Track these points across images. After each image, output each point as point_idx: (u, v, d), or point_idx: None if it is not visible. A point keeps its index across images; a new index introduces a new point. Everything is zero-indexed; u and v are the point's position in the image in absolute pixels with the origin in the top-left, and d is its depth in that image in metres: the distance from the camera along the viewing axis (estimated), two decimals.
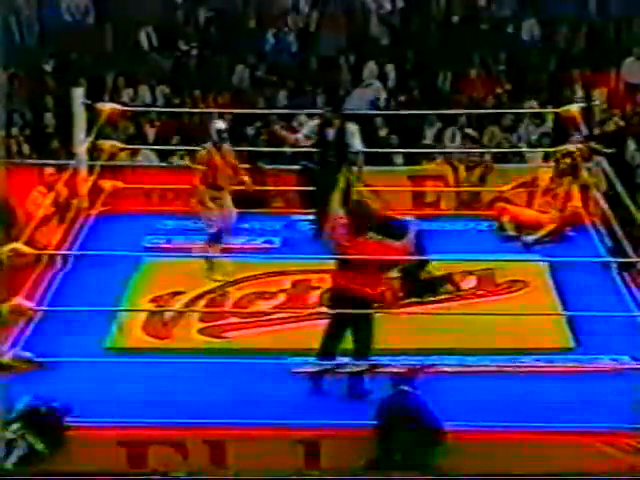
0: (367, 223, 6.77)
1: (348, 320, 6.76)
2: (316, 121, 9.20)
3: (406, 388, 6.38)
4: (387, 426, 6.32)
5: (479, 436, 6.42)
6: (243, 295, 8.20)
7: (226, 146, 8.56)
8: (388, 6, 14.07)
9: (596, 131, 11.46)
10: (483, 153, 10.64)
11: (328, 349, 6.90)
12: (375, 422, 6.37)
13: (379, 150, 10.93)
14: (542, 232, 9.10)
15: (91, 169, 9.67)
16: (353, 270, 6.69)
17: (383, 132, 12.61)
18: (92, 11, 14.52)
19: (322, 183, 8.66)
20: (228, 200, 8.62)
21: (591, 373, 7.12)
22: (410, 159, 11.85)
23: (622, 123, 12.01)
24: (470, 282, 8.43)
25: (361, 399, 6.75)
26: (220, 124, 8.61)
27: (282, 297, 8.29)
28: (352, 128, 9.08)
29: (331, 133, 8.99)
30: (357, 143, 9.04)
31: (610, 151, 9.63)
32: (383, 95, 13.27)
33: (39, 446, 6.26)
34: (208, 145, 8.52)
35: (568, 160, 9.03)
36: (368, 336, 6.79)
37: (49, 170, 9.29)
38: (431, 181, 10.57)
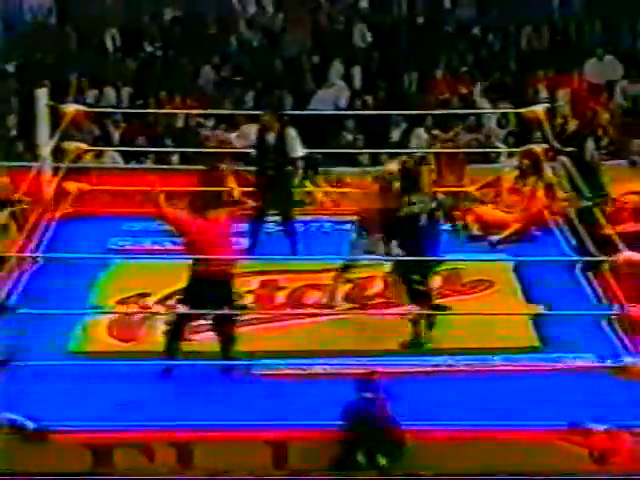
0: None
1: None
2: (254, 126, 9.19)
3: (369, 389, 6.39)
4: (350, 427, 6.32)
5: (445, 435, 6.45)
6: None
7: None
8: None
9: (559, 130, 11.61)
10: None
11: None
12: (339, 423, 6.37)
13: (325, 151, 11.01)
14: (507, 232, 9.16)
15: (56, 171, 9.60)
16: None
17: (348, 132, 12.63)
18: (54, 11, 14.41)
19: (262, 186, 8.82)
20: None
21: (556, 372, 7.17)
22: (376, 160, 11.90)
23: (576, 122, 12.16)
24: (435, 282, 8.48)
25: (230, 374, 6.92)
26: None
27: (250, 298, 8.28)
28: (292, 133, 9.10)
29: (271, 137, 9.00)
30: (298, 148, 9.08)
31: (571, 150, 9.72)
32: (346, 95, 13.30)
33: None
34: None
35: (527, 160, 9.10)
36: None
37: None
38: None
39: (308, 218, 9.84)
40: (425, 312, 7.47)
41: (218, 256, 7.02)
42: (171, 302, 7.77)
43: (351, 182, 10.54)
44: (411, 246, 7.41)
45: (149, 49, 14.19)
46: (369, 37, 13.94)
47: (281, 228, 9.18)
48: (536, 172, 9.13)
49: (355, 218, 8.23)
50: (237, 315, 7.26)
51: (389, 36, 14.04)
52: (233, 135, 9.17)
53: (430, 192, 7.69)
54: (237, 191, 8.98)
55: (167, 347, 7.15)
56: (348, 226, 8.70)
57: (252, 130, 9.07)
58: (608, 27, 14.04)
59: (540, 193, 9.28)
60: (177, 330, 7.16)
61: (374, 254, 7.81)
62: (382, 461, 6.25)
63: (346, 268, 8.12)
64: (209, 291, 7.00)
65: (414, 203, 7.46)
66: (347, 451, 6.29)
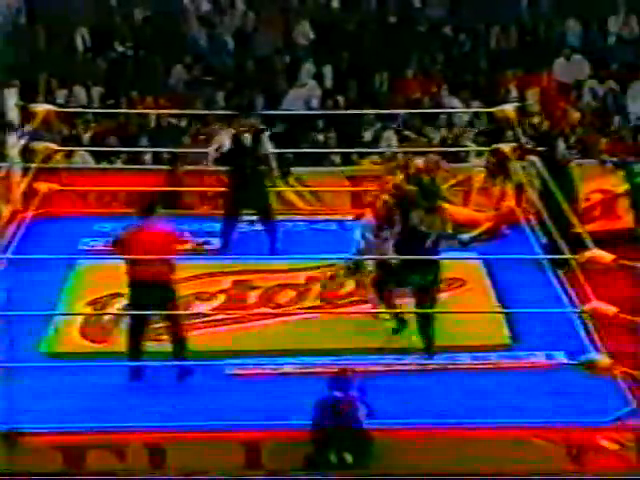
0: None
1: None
2: (226, 134, 9.15)
3: (339, 388, 6.40)
4: (321, 427, 6.33)
5: (416, 433, 6.48)
6: (182, 296, 8.15)
7: None
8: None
9: (530, 130, 11.69)
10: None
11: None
12: (310, 423, 6.38)
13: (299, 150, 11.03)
14: (478, 230, 9.21)
15: (25, 171, 9.53)
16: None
17: (320, 132, 12.64)
18: (24, 11, 14.29)
19: (237, 186, 8.87)
20: None
21: (527, 369, 7.22)
22: (348, 159, 11.91)
23: (547, 122, 12.26)
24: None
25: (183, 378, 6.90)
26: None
27: (222, 298, 8.27)
28: (267, 134, 9.23)
29: (248, 138, 9.04)
30: (268, 147, 9.15)
31: (542, 149, 9.79)
32: (318, 94, 13.31)
33: None
34: None
35: (493, 160, 9.15)
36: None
37: None
38: (369, 181, 10.66)
39: (281, 218, 9.87)
40: (391, 311, 7.51)
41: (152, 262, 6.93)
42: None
43: (324, 182, 10.59)
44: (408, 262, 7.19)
45: (120, 49, 14.12)
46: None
47: (259, 227, 9.16)
48: (503, 171, 9.19)
49: (368, 216, 7.99)
50: (186, 318, 7.20)
51: (359, 36, 14.07)
52: (210, 148, 9.22)
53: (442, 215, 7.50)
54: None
55: (129, 349, 7.14)
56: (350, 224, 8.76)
57: (225, 138, 9.11)
58: (577, 27, 14.14)
59: (510, 192, 9.35)
60: (136, 332, 7.13)
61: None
62: (348, 458, 6.26)
63: (357, 267, 8.02)
64: (147, 295, 6.96)
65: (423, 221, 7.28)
66: (319, 450, 6.31)
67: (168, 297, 7.09)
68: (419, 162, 8.11)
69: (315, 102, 13.25)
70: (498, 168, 9.17)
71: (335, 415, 6.31)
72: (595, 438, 6.45)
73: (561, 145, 10.85)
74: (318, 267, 8.61)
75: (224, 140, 9.04)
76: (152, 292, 6.96)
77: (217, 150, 9.09)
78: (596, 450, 6.44)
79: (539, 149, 9.78)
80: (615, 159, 10.80)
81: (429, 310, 7.32)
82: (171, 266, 7.10)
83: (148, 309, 6.96)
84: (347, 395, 6.37)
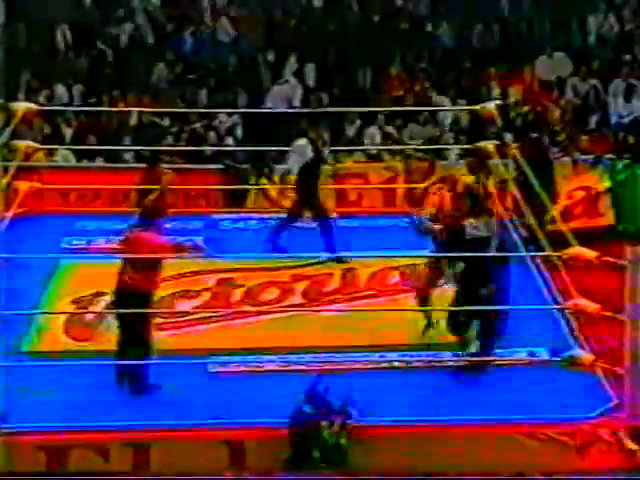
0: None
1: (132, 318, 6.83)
2: (305, 145, 9.13)
3: (318, 386, 6.39)
4: (302, 424, 6.32)
5: (396, 431, 6.47)
6: (167, 295, 8.14)
7: None
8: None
9: (519, 121, 11.73)
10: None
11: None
12: (291, 421, 6.37)
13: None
14: None
15: (5, 170, 9.46)
16: (131, 266, 6.87)
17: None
18: (3, 8, 14.20)
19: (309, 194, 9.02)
20: None
21: (510, 366, 7.24)
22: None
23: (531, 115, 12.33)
24: (393, 278, 8.54)
25: (141, 393, 6.78)
26: None
27: (206, 295, 8.26)
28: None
29: (325, 149, 9.20)
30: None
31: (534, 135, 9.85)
32: (299, 92, 13.31)
33: None
34: None
35: (470, 159, 9.18)
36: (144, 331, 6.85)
37: None
38: (353, 179, 10.68)
39: (267, 216, 9.88)
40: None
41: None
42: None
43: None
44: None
45: (101, 47, 14.06)
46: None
47: (316, 226, 9.17)
48: (482, 169, 9.19)
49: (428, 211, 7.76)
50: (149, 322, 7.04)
51: (341, 33, 14.09)
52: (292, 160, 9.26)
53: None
54: None
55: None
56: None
57: (304, 145, 9.11)
58: (558, 25, 14.21)
59: (491, 188, 9.37)
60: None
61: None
62: (315, 454, 6.25)
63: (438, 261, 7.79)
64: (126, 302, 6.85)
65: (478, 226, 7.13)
66: (302, 449, 6.30)
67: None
68: (466, 179, 7.97)
69: (297, 100, 13.25)
70: (477, 165, 9.19)
71: (314, 413, 6.29)
72: (577, 435, 6.48)
73: (545, 142, 10.89)
74: (303, 265, 8.62)
75: (306, 151, 9.02)
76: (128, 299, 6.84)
77: (298, 162, 9.09)
78: (578, 446, 6.48)
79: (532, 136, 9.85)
80: (591, 156, 10.88)
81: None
82: (148, 275, 6.93)
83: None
84: (326, 393, 6.35)
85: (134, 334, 6.84)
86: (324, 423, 6.27)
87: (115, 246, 8.37)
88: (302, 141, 9.15)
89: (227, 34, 14.14)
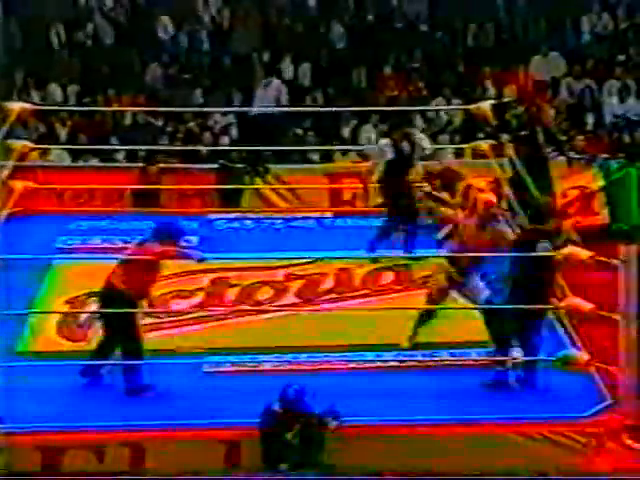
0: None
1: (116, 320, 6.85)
2: (386, 145, 9.04)
3: (293, 386, 6.37)
4: (279, 424, 6.30)
5: (393, 430, 6.48)
6: (161, 294, 8.14)
7: None
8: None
9: (514, 121, 11.74)
10: None
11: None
12: (266, 421, 6.34)
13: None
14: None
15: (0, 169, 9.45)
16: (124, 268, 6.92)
17: (299, 129, 12.66)
18: None
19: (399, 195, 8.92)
20: None
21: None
22: (325, 156, 11.93)
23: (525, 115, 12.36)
24: (388, 277, 8.55)
25: (134, 394, 6.77)
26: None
27: (200, 295, 8.26)
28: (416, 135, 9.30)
29: (407, 146, 9.03)
30: (427, 145, 9.19)
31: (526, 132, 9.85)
32: (284, 92, 13.30)
33: None
34: None
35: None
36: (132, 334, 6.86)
37: None
38: (347, 178, 10.69)
39: (259, 216, 9.88)
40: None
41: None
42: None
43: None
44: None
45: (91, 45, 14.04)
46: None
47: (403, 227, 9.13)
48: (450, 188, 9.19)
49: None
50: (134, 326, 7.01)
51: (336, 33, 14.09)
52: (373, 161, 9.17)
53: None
54: None
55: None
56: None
57: (385, 145, 9.04)
58: (552, 24, 14.23)
59: (486, 188, 9.37)
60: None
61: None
62: (288, 436, 6.21)
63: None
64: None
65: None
66: (268, 448, 6.25)
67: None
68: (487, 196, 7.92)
69: (284, 100, 13.24)
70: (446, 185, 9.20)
71: (292, 412, 6.27)
72: (572, 433, 6.49)
73: (541, 138, 10.91)
74: (296, 264, 8.62)
75: (386, 151, 8.97)
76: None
77: (379, 161, 9.02)
78: (572, 446, 6.49)
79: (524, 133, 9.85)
80: (586, 156, 10.90)
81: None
82: (144, 283, 6.96)
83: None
84: (303, 392, 6.33)
85: (117, 337, 6.86)
86: (290, 422, 6.24)
87: (118, 247, 8.42)
88: (384, 141, 9.09)
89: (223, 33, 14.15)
